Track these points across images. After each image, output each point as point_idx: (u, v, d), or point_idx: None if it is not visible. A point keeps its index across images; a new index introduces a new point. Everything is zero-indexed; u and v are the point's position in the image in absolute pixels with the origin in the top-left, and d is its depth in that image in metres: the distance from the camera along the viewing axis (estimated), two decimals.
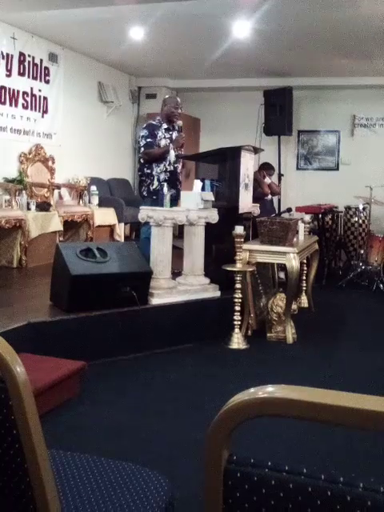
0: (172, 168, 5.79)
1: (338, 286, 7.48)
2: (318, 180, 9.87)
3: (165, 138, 5.79)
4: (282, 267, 5.77)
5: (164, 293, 4.90)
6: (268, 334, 5.17)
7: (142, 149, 5.81)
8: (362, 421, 0.77)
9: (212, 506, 0.83)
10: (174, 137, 5.84)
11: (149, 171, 5.78)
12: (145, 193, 5.86)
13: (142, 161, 5.90)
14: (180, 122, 5.94)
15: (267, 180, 8.09)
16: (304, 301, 6.35)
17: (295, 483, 0.77)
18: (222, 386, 3.80)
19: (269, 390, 0.81)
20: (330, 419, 0.78)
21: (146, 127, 5.89)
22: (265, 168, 8.25)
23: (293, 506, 0.77)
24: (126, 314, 4.58)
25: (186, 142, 6.18)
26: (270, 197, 8.18)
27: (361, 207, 8.12)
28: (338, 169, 9.93)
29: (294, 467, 0.79)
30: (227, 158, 5.64)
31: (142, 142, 5.80)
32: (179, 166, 5.90)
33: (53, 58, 8.01)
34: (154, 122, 5.92)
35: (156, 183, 5.73)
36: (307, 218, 6.39)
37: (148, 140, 5.75)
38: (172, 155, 5.70)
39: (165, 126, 5.85)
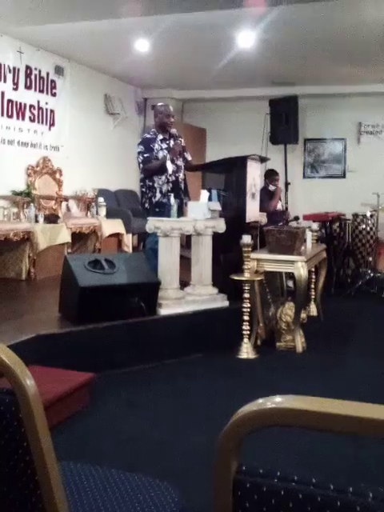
0: (173, 178, 5.75)
1: (346, 293, 7.46)
2: (324, 188, 9.86)
3: (162, 149, 5.74)
4: (291, 276, 5.76)
5: (172, 303, 4.90)
6: (277, 343, 5.16)
7: (141, 165, 5.76)
8: (371, 430, 0.77)
9: None
10: (171, 145, 5.80)
11: (151, 184, 5.72)
12: (147, 205, 5.78)
13: (142, 176, 5.88)
14: (174, 130, 5.90)
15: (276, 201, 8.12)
16: (313, 309, 6.33)
17: (305, 493, 0.77)
18: (231, 396, 3.79)
19: (277, 401, 0.82)
20: (339, 429, 0.78)
21: (141, 142, 5.84)
22: (269, 175, 8.28)
23: None
24: (134, 325, 4.59)
25: (193, 152, 6.17)
26: (280, 207, 8.20)
27: (368, 214, 8.10)
28: (344, 176, 9.92)
29: (304, 477, 0.79)
30: (234, 168, 5.66)
31: (140, 159, 5.73)
32: (180, 175, 5.85)
33: (59, 70, 8.07)
34: (148, 136, 5.88)
35: (159, 195, 5.69)
36: (315, 226, 6.39)
37: (145, 155, 5.70)
38: (170, 166, 5.66)
39: (160, 136, 5.80)
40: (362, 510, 0.74)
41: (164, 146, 5.77)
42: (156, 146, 5.74)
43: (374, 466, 2.95)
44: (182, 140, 5.98)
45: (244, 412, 0.81)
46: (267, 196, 7.99)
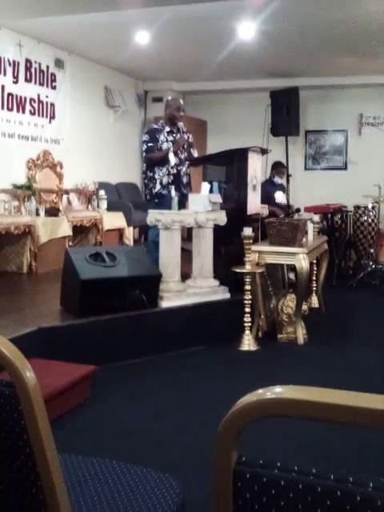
0: (175, 171, 5.79)
1: (348, 285, 7.45)
2: (326, 180, 9.85)
3: (167, 141, 5.81)
4: (292, 268, 5.75)
5: (173, 296, 4.90)
6: (279, 335, 5.16)
7: (144, 154, 5.89)
8: (371, 420, 0.76)
9: (222, 508, 0.83)
10: (176, 138, 5.86)
11: (151, 175, 5.81)
12: (148, 196, 5.91)
13: (145, 165, 5.96)
14: (181, 124, 5.96)
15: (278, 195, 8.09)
16: (314, 301, 6.33)
17: (305, 483, 0.77)
18: (233, 388, 3.79)
19: (277, 391, 0.81)
20: (339, 419, 0.78)
21: (148, 132, 5.97)
22: (275, 167, 8.27)
23: (303, 507, 0.77)
24: (135, 318, 4.59)
25: (194, 144, 6.17)
26: (283, 202, 8.18)
27: (370, 206, 8.10)
28: (346, 168, 9.91)
29: (304, 467, 0.79)
30: (234, 160, 5.64)
31: (144, 147, 5.87)
32: (183, 169, 5.89)
33: (59, 63, 8.04)
34: (155, 126, 5.96)
35: (158, 186, 5.76)
36: (316, 218, 6.38)
37: (149, 144, 5.80)
38: (172, 158, 5.70)
39: (167, 128, 5.87)
40: (362, 499, 0.74)
41: (170, 138, 5.82)
42: (161, 138, 5.79)
43: (375, 456, 2.95)
44: (190, 136, 6.05)
45: (244, 402, 0.81)
46: (272, 188, 7.98)
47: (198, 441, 3.06)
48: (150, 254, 5.15)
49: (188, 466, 2.79)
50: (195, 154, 6.07)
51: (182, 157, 5.86)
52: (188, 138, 5.99)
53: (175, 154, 5.73)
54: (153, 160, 5.78)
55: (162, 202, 5.56)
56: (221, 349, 4.81)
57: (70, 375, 3.57)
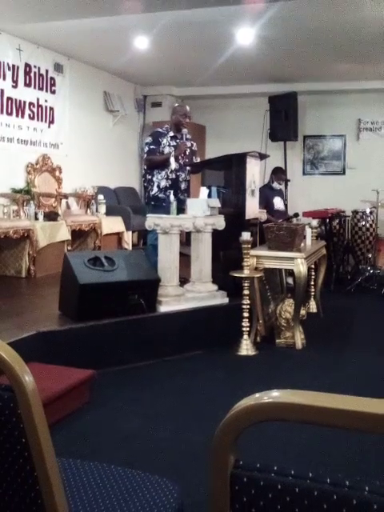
0: (174, 176, 5.82)
1: (346, 290, 7.46)
2: (324, 185, 9.86)
3: (170, 145, 5.85)
4: (290, 273, 5.76)
5: (172, 300, 4.90)
6: (277, 340, 5.16)
7: (145, 155, 5.97)
8: (368, 424, 0.77)
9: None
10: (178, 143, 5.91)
11: (150, 177, 5.86)
12: (146, 199, 6.00)
13: (145, 167, 6.01)
14: (185, 130, 6.00)
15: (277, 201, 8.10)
16: (312, 306, 6.33)
17: (301, 487, 0.77)
18: (231, 393, 3.80)
19: (274, 395, 0.82)
20: (335, 423, 0.79)
21: (151, 134, 6.06)
22: (275, 172, 8.28)
23: (299, 511, 0.78)
24: (134, 322, 4.59)
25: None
26: (281, 208, 8.18)
27: (368, 211, 8.11)
28: (344, 173, 9.92)
29: (300, 471, 0.80)
30: (233, 165, 5.65)
31: (146, 149, 5.96)
32: (183, 175, 5.91)
33: (58, 68, 8.06)
34: (160, 130, 6.01)
35: (155, 189, 5.81)
36: (314, 222, 6.39)
37: (151, 147, 5.86)
38: (172, 163, 5.73)
39: (171, 134, 5.91)
40: (358, 503, 0.74)
41: (173, 143, 5.88)
42: (164, 142, 5.85)
43: (376, 461, 2.95)
44: (194, 144, 6.11)
45: (241, 406, 0.82)
46: (270, 193, 7.99)
47: (195, 445, 3.07)
48: (149, 258, 5.15)
49: (186, 470, 2.79)
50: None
51: (182, 162, 5.88)
52: (192, 145, 6.05)
53: (176, 159, 5.76)
54: (153, 162, 5.83)
55: (159, 205, 5.61)
56: (219, 353, 4.81)
57: (69, 379, 3.57)
